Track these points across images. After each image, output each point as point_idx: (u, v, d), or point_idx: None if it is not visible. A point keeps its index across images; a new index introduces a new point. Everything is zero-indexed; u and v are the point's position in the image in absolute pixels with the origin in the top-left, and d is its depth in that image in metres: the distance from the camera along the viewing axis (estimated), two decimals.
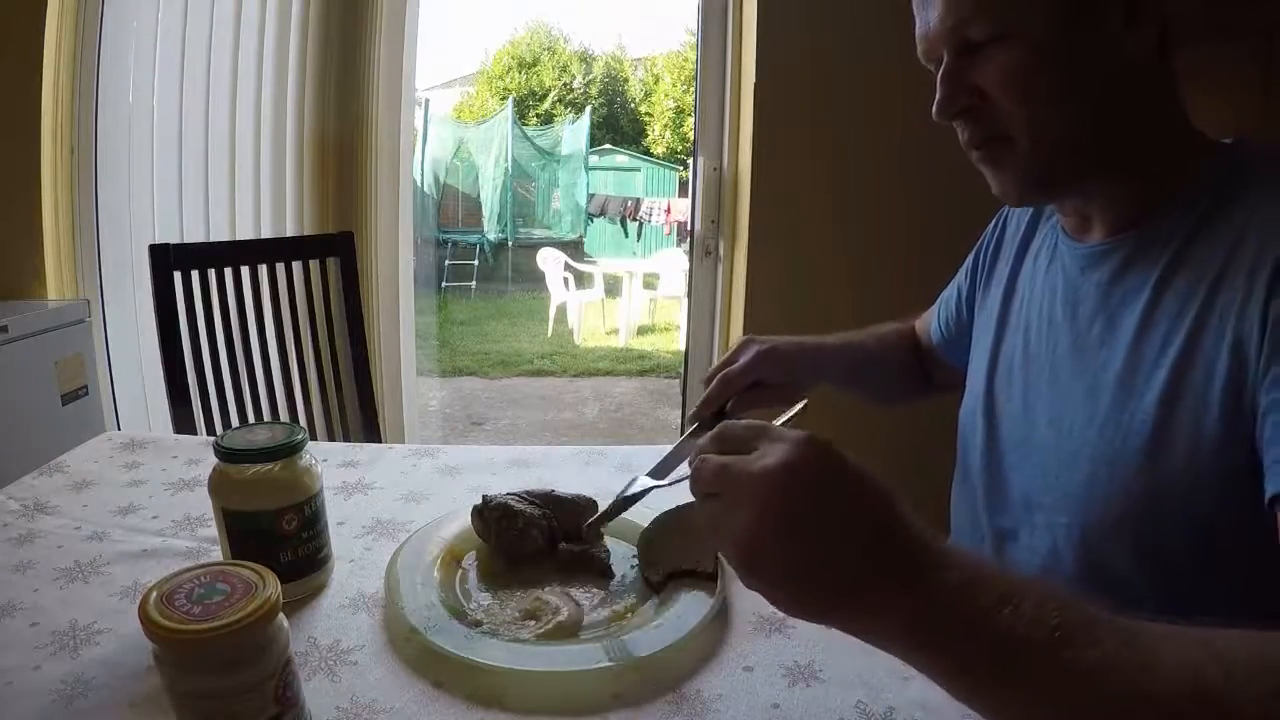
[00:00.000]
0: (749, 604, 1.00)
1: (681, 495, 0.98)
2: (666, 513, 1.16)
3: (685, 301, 3.38)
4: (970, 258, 1.41)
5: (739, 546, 0.67)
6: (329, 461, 1.41)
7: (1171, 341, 0.92)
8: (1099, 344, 1.02)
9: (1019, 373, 1.17)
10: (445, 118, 16.75)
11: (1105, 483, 0.97)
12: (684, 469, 1.23)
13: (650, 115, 24.28)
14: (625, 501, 1.05)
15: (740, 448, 0.72)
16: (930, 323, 1.51)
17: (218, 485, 0.97)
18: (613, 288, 10.83)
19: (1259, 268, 0.84)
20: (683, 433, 1.37)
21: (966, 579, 0.63)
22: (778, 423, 1.04)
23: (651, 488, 1.11)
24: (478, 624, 0.93)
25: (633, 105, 25.54)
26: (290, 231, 3.04)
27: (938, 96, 1.01)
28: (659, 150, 22.37)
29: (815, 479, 0.67)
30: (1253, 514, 0.79)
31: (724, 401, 1.38)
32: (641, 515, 1.14)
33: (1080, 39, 0.94)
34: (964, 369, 1.36)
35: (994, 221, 1.37)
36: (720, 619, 0.95)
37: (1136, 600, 0.94)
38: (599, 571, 1.07)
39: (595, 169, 16.03)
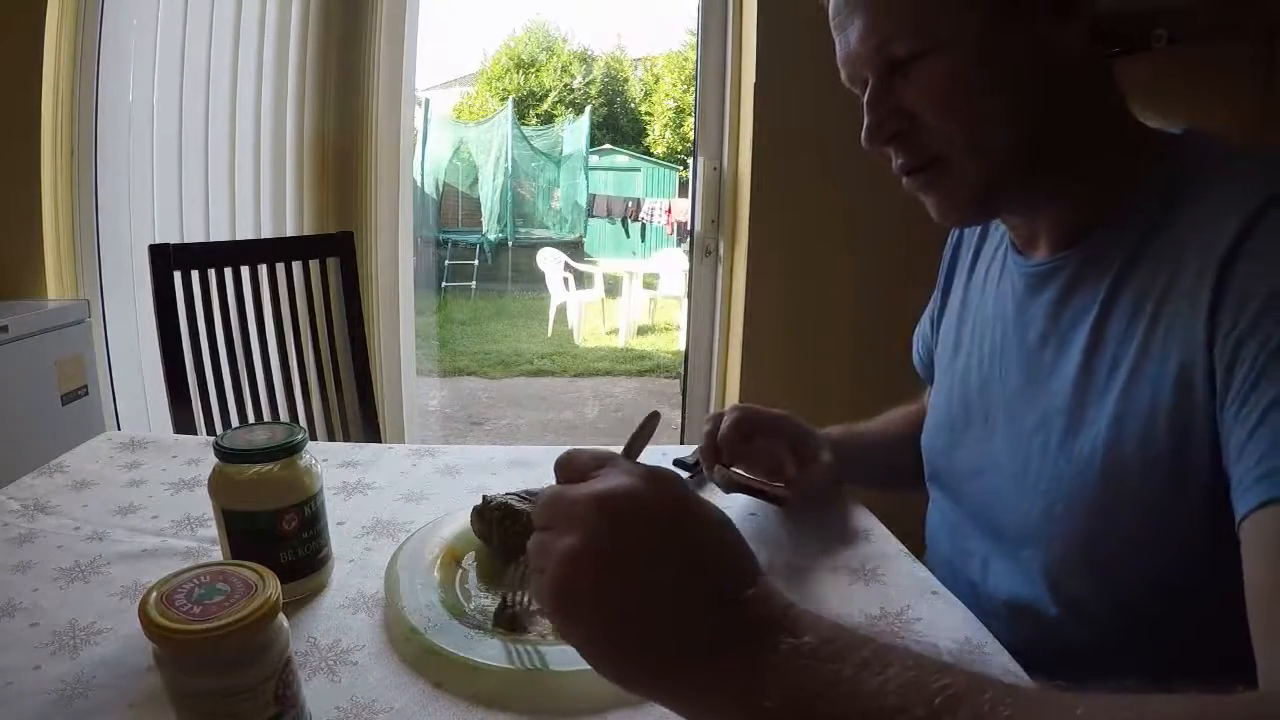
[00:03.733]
0: None
1: None
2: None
3: (685, 301, 3.38)
4: (941, 275, 1.37)
5: (552, 580, 0.58)
6: (329, 461, 1.41)
7: (1119, 366, 0.89)
8: (1050, 370, 0.99)
9: (976, 395, 1.14)
10: (445, 118, 16.77)
11: (1062, 516, 0.95)
12: None
13: (650, 115, 24.31)
14: None
15: (578, 476, 0.64)
16: (914, 359, 1.47)
17: (218, 485, 0.97)
18: (613, 288, 10.84)
19: (1199, 288, 0.81)
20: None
21: (824, 641, 0.54)
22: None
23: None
24: (478, 624, 0.93)
25: (633, 105, 25.57)
26: (290, 231, 3.04)
27: (866, 123, 0.97)
28: (659, 150, 22.41)
29: (649, 512, 0.59)
30: (1212, 541, 0.77)
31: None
32: None
33: (1007, 43, 0.90)
34: None
35: (952, 231, 1.34)
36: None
37: (1114, 634, 0.93)
38: None
39: (595, 169, 16.06)
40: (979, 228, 1.25)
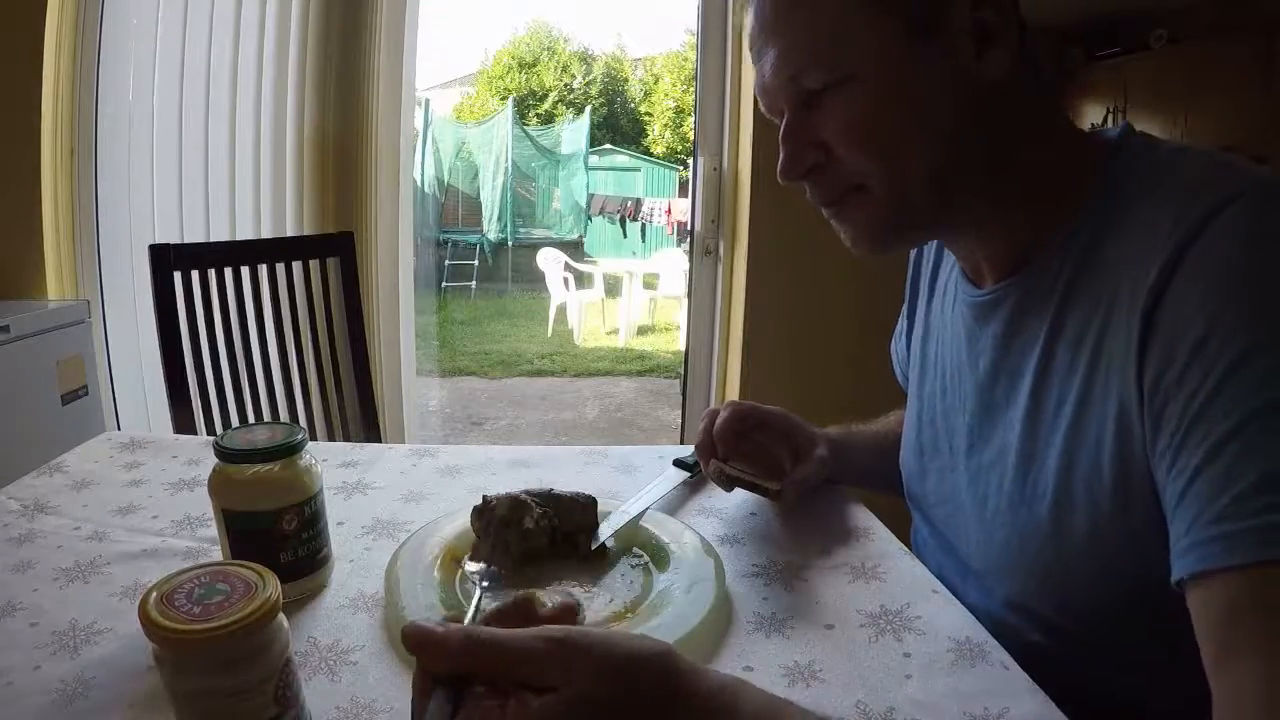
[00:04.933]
0: (749, 604, 1.00)
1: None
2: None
3: (685, 301, 3.39)
4: (906, 296, 1.35)
5: None
6: (329, 461, 1.41)
7: (1065, 402, 0.88)
8: (1003, 404, 0.98)
9: (940, 423, 1.14)
10: (445, 118, 16.78)
11: (1018, 552, 0.95)
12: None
13: (650, 115, 24.31)
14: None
15: (527, 674, 0.57)
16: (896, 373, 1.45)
17: (218, 485, 0.97)
18: (613, 288, 10.84)
19: (1130, 328, 0.78)
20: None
21: None
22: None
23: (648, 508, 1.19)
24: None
25: (633, 105, 25.57)
26: (290, 231, 3.05)
27: (781, 157, 0.95)
28: (659, 150, 22.41)
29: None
30: (1162, 576, 0.73)
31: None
32: (649, 519, 1.16)
33: (923, 73, 0.87)
34: None
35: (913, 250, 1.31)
36: (720, 618, 0.95)
37: (1088, 645, 0.92)
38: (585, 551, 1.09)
39: (595, 169, 16.06)
40: (933, 250, 1.23)
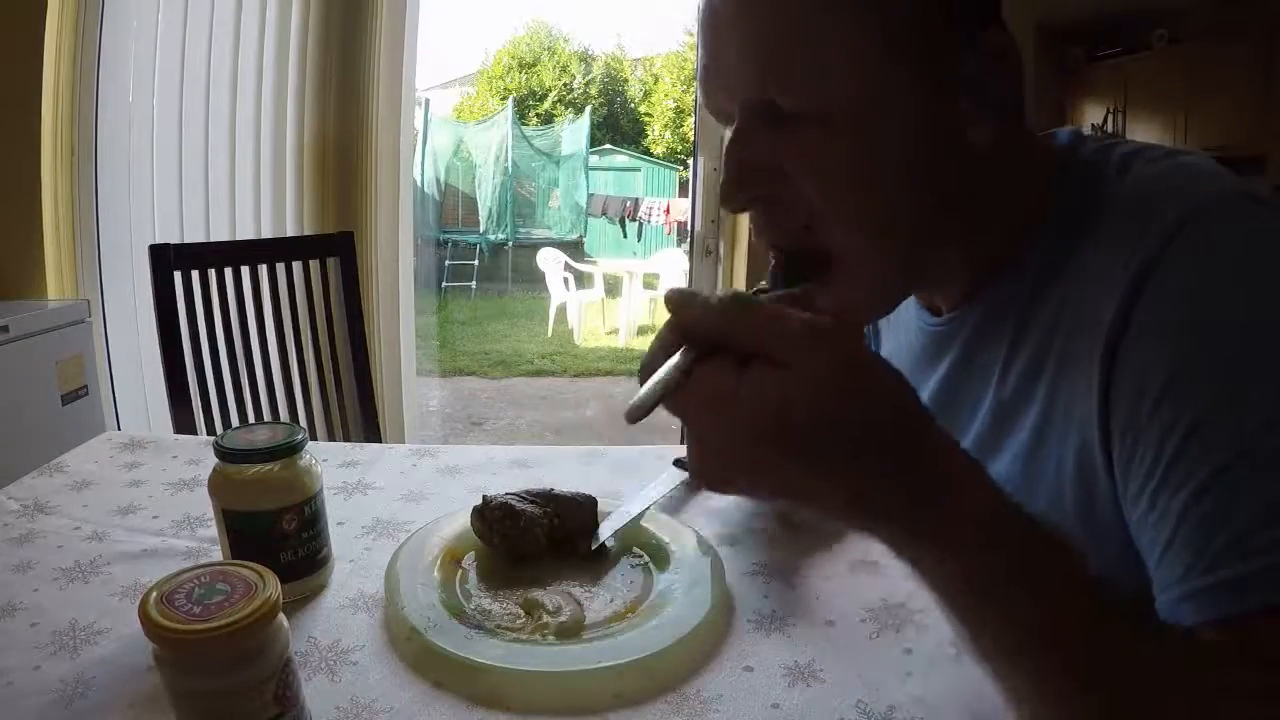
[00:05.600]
0: (749, 603, 1.00)
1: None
2: None
3: None
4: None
5: (777, 414, 0.54)
6: (329, 461, 1.41)
7: (1022, 432, 0.84)
8: (963, 428, 0.93)
9: None
10: (445, 118, 16.77)
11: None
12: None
13: (650, 115, 24.29)
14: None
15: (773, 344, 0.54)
16: None
17: (218, 485, 0.97)
18: (613, 288, 10.83)
19: (1091, 362, 0.73)
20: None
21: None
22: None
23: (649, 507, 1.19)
24: (478, 624, 0.93)
25: (633, 105, 25.55)
26: (290, 231, 3.05)
27: (724, 179, 0.82)
28: (659, 150, 22.38)
29: (880, 386, 0.57)
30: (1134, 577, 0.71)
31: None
32: (650, 518, 1.16)
33: (919, 126, 0.78)
34: None
35: None
36: (720, 618, 0.95)
37: None
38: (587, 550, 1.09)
39: (595, 169, 16.05)
40: None
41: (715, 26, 0.79)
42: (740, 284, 2.91)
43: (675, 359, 0.55)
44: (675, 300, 0.58)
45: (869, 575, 1.06)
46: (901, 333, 1.08)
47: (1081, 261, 0.78)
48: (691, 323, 0.57)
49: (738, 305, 0.56)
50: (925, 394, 0.97)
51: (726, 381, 0.54)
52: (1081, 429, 0.76)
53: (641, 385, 0.55)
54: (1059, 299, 0.80)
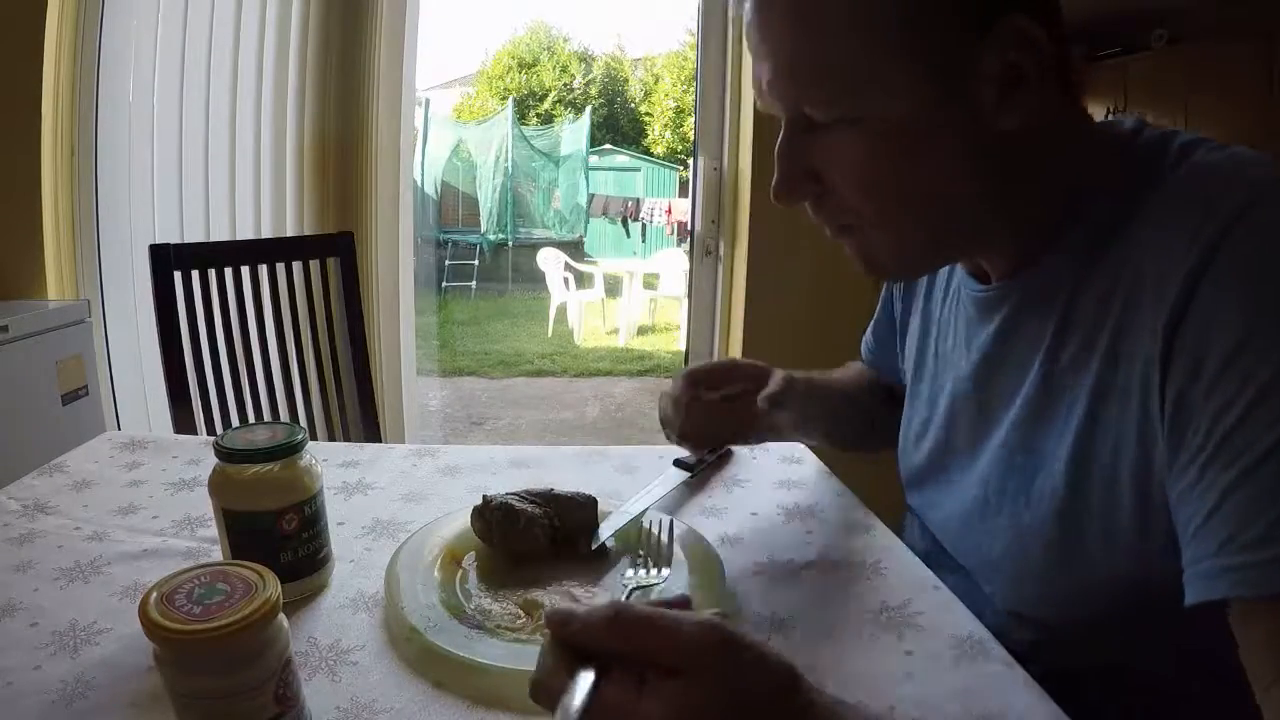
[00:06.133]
0: (750, 604, 1.00)
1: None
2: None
3: (685, 301, 3.39)
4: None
5: None
6: (329, 461, 1.41)
7: (1076, 402, 0.84)
8: (1003, 401, 0.95)
9: (939, 425, 1.11)
10: (445, 118, 16.77)
11: (1020, 556, 0.92)
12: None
13: (650, 115, 24.31)
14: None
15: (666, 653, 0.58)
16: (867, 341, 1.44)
17: (218, 485, 0.97)
18: (613, 288, 10.85)
19: (1154, 332, 0.74)
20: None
21: None
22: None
23: (649, 506, 1.19)
24: (478, 624, 0.93)
25: (633, 105, 25.56)
26: (290, 231, 3.05)
27: (775, 177, 0.89)
28: (659, 150, 22.41)
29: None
30: (1176, 572, 0.71)
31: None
32: (650, 518, 1.16)
33: (941, 122, 0.81)
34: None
35: None
36: (720, 619, 0.95)
37: (1077, 647, 0.90)
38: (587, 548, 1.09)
39: (595, 169, 16.06)
40: None
41: (752, 49, 0.87)
42: (740, 284, 2.91)
43: (580, 681, 0.58)
44: (555, 621, 0.61)
45: (869, 578, 1.06)
46: (952, 301, 1.11)
47: (1142, 237, 0.79)
48: (577, 640, 0.60)
49: (620, 621, 0.59)
50: (977, 356, 1.00)
51: (629, 698, 0.56)
52: (1143, 401, 0.76)
53: (539, 702, 0.61)
54: (1115, 273, 0.81)
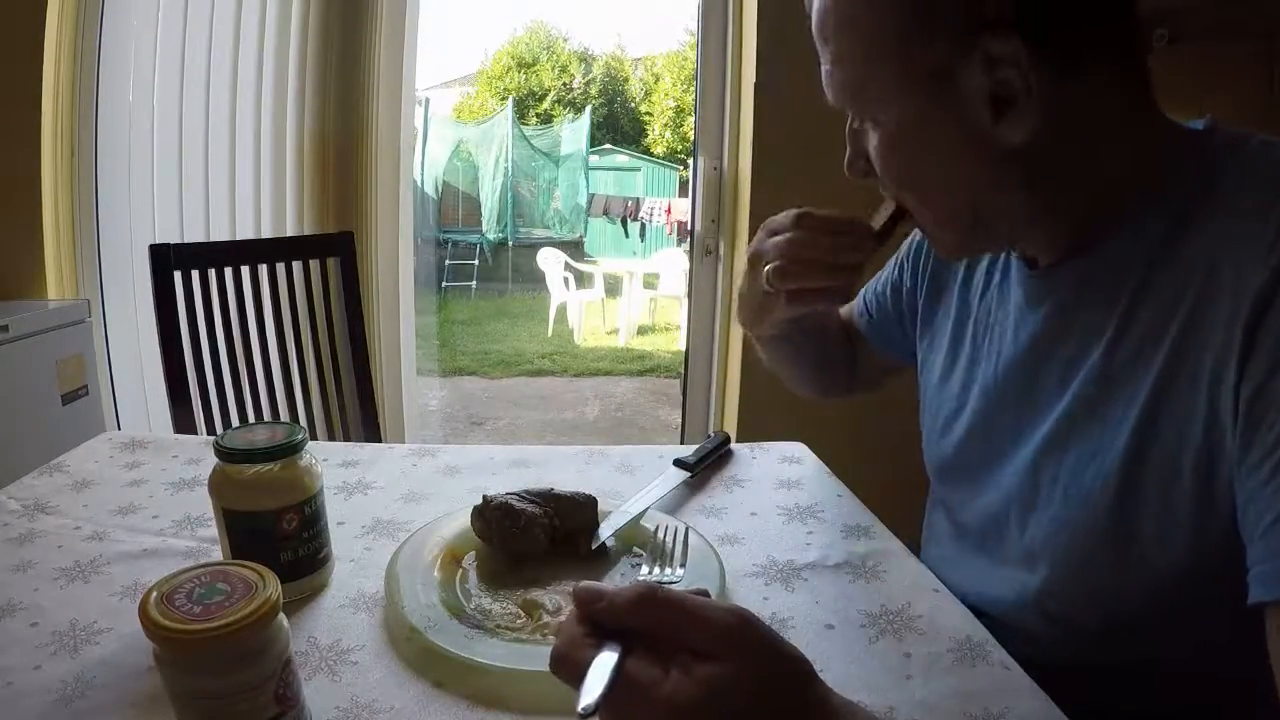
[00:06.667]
0: (750, 604, 0.99)
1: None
2: None
3: (685, 301, 3.38)
4: (908, 249, 1.32)
5: None
6: (329, 461, 1.41)
7: (1137, 394, 0.83)
8: (1054, 388, 0.94)
9: (982, 410, 1.09)
10: (445, 118, 16.78)
11: (1066, 544, 0.91)
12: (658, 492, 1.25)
13: (650, 115, 24.29)
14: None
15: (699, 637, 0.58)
16: (855, 307, 1.44)
17: (218, 485, 0.97)
18: (613, 288, 10.84)
19: (1231, 327, 0.74)
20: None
21: None
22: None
23: (649, 507, 1.19)
24: (478, 624, 0.93)
25: (633, 105, 25.55)
26: (290, 231, 3.05)
27: (848, 153, 0.99)
28: (659, 150, 22.39)
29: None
30: (1228, 568, 0.72)
31: None
32: (650, 518, 1.16)
33: (944, 131, 0.86)
34: (889, 357, 1.37)
35: None
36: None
37: (1099, 645, 0.91)
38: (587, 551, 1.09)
39: (595, 169, 16.05)
40: None
41: (820, 49, 0.95)
42: (736, 282, 2.91)
43: (604, 656, 0.58)
44: (584, 597, 0.62)
45: (869, 581, 1.06)
46: (999, 280, 1.10)
47: (1217, 229, 0.79)
48: (604, 617, 0.61)
49: (650, 601, 0.60)
50: (1027, 342, 1.00)
51: (655, 676, 0.57)
52: (1212, 397, 0.76)
53: (559, 675, 0.60)
54: (1187, 265, 0.80)
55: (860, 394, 1.52)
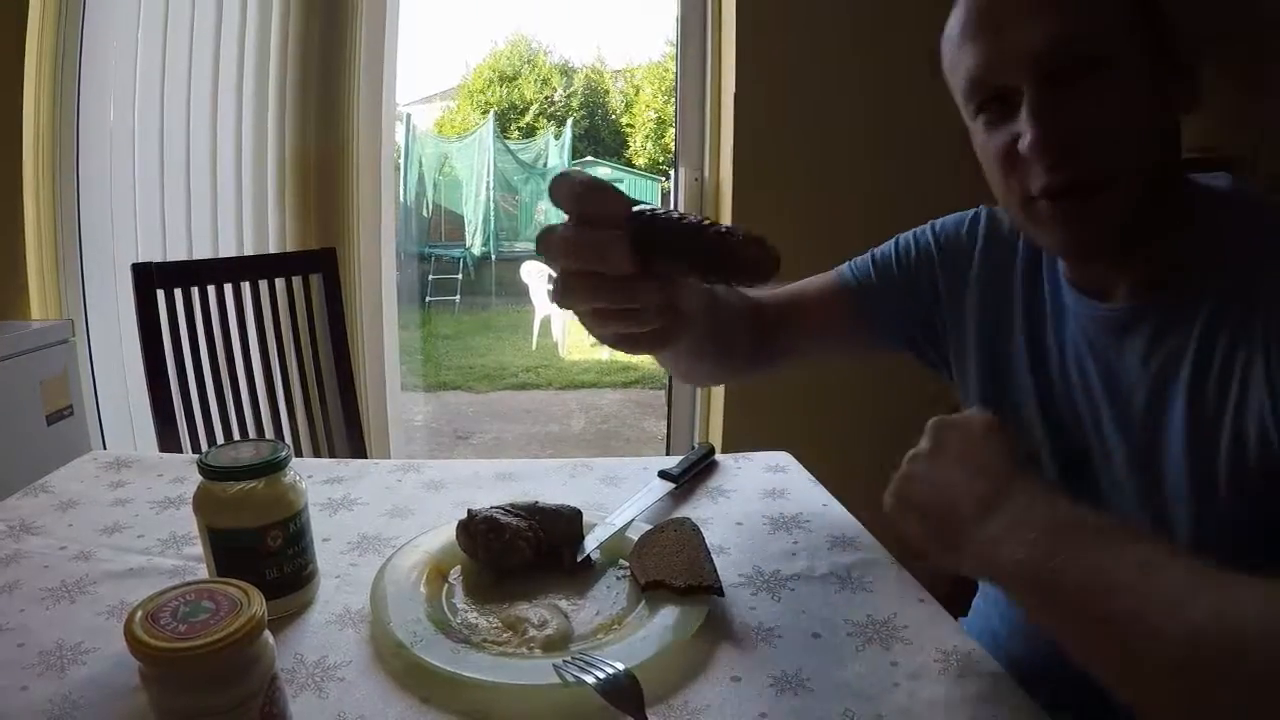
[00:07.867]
0: (738, 614, 1.00)
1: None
2: (661, 524, 1.16)
3: None
4: (929, 235, 1.27)
5: (943, 508, 0.85)
6: (314, 478, 1.41)
7: (1224, 410, 0.87)
8: (1148, 423, 0.95)
9: (1067, 445, 1.07)
10: (427, 132, 16.78)
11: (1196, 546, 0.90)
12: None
13: (631, 127, 24.32)
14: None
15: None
16: (842, 269, 1.34)
17: (202, 503, 0.97)
18: None
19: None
20: None
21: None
22: None
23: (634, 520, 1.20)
24: (464, 638, 0.93)
25: (614, 117, 25.58)
26: (273, 248, 3.05)
27: (1033, 136, 0.89)
28: (641, 161, 22.41)
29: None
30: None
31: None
32: (635, 530, 1.17)
33: (1156, 71, 0.90)
34: (873, 323, 1.28)
35: (959, 226, 1.24)
36: (708, 629, 0.95)
37: None
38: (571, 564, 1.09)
39: None
40: (979, 241, 1.19)
41: (997, 20, 0.93)
42: None
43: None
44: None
45: (855, 591, 1.06)
46: (1049, 313, 1.10)
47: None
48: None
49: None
50: (1123, 381, 0.99)
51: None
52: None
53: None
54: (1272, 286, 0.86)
55: (759, 377, 1.38)
